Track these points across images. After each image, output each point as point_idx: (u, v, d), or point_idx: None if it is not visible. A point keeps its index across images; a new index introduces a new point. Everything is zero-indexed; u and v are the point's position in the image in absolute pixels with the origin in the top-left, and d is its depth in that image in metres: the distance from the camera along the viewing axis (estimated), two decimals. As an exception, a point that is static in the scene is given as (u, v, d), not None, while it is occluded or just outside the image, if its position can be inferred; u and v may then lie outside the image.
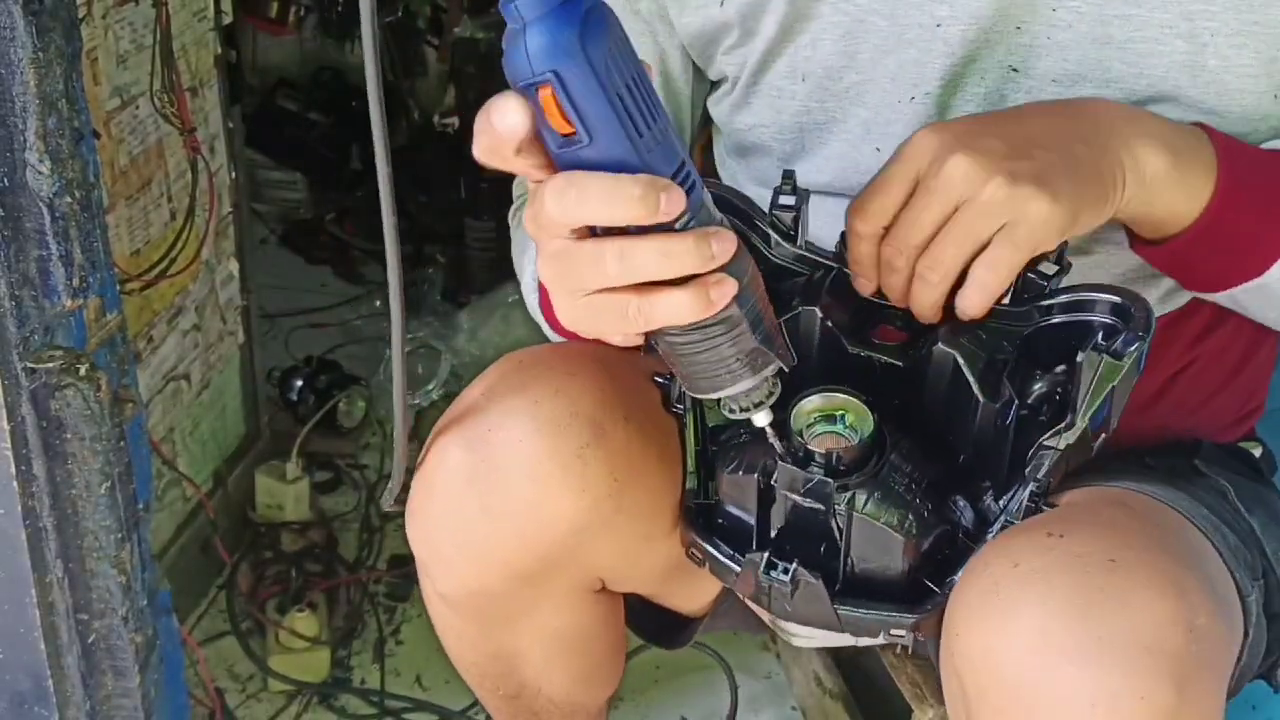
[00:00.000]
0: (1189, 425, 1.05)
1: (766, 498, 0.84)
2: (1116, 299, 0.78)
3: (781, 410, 0.79)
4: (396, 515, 1.95)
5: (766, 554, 0.82)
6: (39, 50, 0.82)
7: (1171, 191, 0.81)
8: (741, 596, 0.89)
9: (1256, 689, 1.02)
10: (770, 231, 0.85)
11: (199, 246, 1.60)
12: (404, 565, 1.83)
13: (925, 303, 0.79)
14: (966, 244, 0.76)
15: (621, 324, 0.70)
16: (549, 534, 0.88)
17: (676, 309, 0.68)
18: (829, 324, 0.83)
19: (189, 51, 1.55)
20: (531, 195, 0.70)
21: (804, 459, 0.81)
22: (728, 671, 1.63)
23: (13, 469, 0.92)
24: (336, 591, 1.76)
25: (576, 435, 0.86)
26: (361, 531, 1.91)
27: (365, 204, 2.74)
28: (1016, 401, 0.79)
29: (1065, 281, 0.81)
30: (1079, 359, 0.76)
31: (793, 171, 0.85)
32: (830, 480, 0.80)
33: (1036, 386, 0.79)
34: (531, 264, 1.03)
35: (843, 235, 0.83)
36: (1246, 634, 0.87)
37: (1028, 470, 0.79)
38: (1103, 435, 0.79)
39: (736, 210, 0.85)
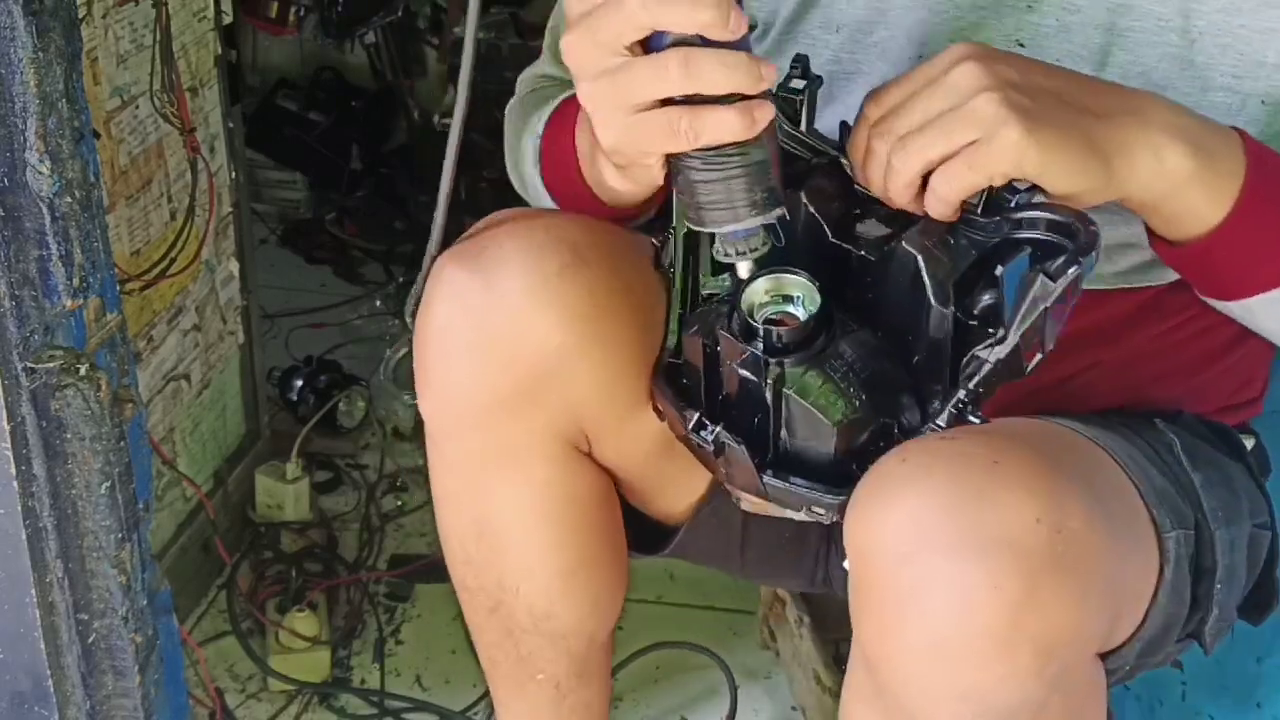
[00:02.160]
0: (1172, 396, 1.06)
1: (713, 363, 0.87)
2: (1067, 219, 0.79)
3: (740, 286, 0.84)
4: (396, 515, 1.96)
5: (698, 414, 0.87)
6: (39, 50, 0.82)
7: (1194, 189, 0.82)
8: (699, 459, 0.93)
9: (1260, 685, 1.02)
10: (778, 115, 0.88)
11: (199, 246, 1.60)
12: (404, 565, 1.84)
13: (891, 189, 0.82)
14: (937, 142, 0.78)
15: (670, 139, 0.76)
16: (529, 351, 0.93)
17: (724, 125, 0.75)
18: (812, 211, 0.86)
19: (189, 51, 1.55)
20: (583, 18, 0.75)
21: (748, 332, 0.83)
22: (727, 672, 1.63)
23: (13, 469, 0.92)
24: (336, 591, 1.77)
25: (557, 256, 0.92)
26: (361, 531, 1.91)
27: (365, 204, 2.74)
28: (956, 311, 0.80)
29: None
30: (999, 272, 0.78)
31: (805, 56, 0.88)
32: (766, 356, 0.82)
33: (985, 297, 0.81)
34: (534, 138, 1.07)
35: (843, 124, 0.86)
36: (1162, 572, 0.88)
37: (961, 378, 0.80)
38: (1038, 356, 0.80)
39: None
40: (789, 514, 0.89)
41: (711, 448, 0.86)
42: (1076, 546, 0.75)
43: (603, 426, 1.01)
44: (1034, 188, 0.81)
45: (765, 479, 0.86)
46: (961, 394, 0.81)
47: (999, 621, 0.73)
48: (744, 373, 0.84)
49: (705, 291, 0.92)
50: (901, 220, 0.84)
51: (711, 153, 0.77)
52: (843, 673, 1.50)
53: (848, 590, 0.82)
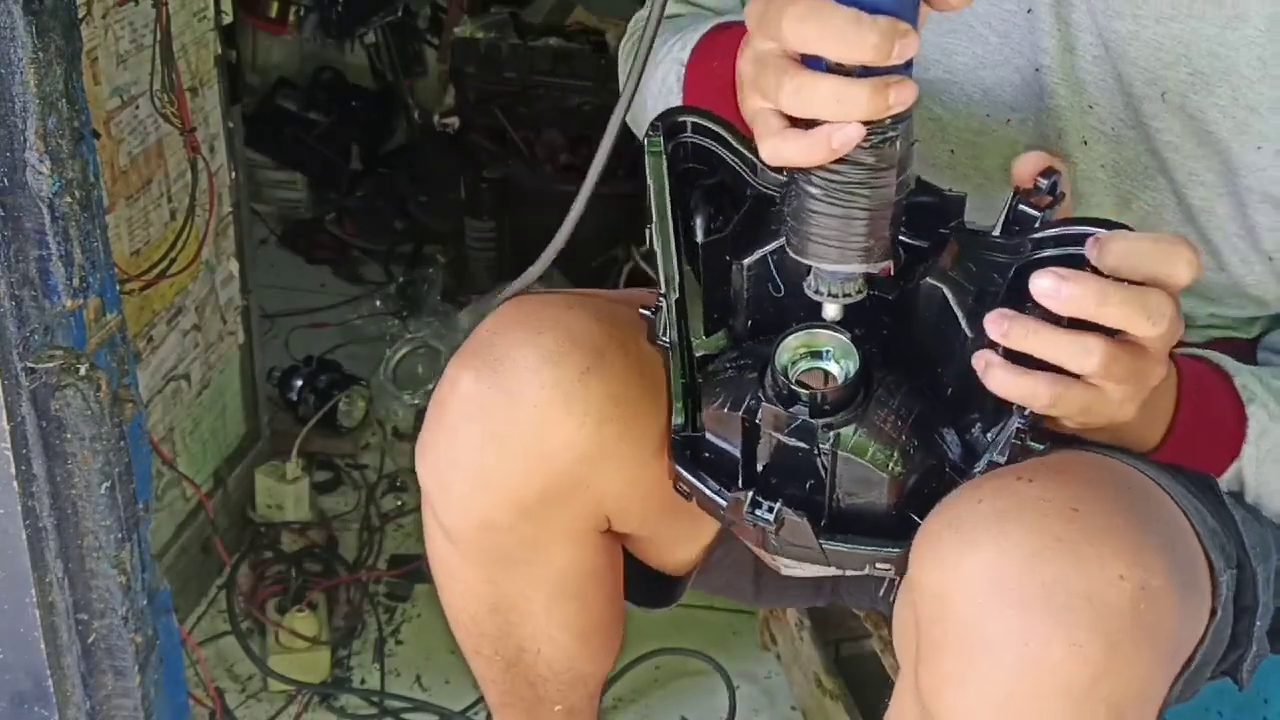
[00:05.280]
0: None
1: (751, 435, 0.83)
2: (1105, 233, 0.76)
3: (768, 347, 0.81)
4: (396, 515, 1.96)
5: (751, 493, 0.82)
6: (39, 50, 0.82)
7: (1128, 430, 0.85)
8: (729, 529, 0.90)
9: (1268, 681, 1.01)
10: (755, 158, 0.84)
11: (199, 246, 1.60)
12: (404, 565, 1.83)
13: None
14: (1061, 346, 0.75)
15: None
16: (554, 462, 0.91)
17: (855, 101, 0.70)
18: None
19: (189, 51, 1.55)
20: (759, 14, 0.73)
21: (789, 398, 0.80)
22: (724, 675, 1.63)
23: (13, 469, 0.92)
24: (336, 591, 1.77)
25: (577, 362, 0.89)
26: (361, 531, 1.91)
27: (365, 204, 2.74)
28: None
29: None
30: None
31: None
32: (814, 420, 0.79)
33: None
34: (678, 66, 1.04)
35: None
36: (1215, 612, 0.87)
37: (1016, 406, 0.77)
38: None
39: (719, 137, 0.85)
40: (848, 573, 0.87)
41: (774, 526, 0.81)
42: (1156, 606, 0.73)
43: (626, 510, 1.00)
44: (1053, 204, 0.79)
45: (825, 544, 0.82)
46: (1019, 422, 0.77)
47: (1075, 681, 0.71)
48: (793, 441, 0.80)
49: (700, 353, 0.88)
50: (909, 256, 0.81)
51: (837, 185, 0.72)
52: (843, 675, 1.51)
53: (872, 604, 0.81)
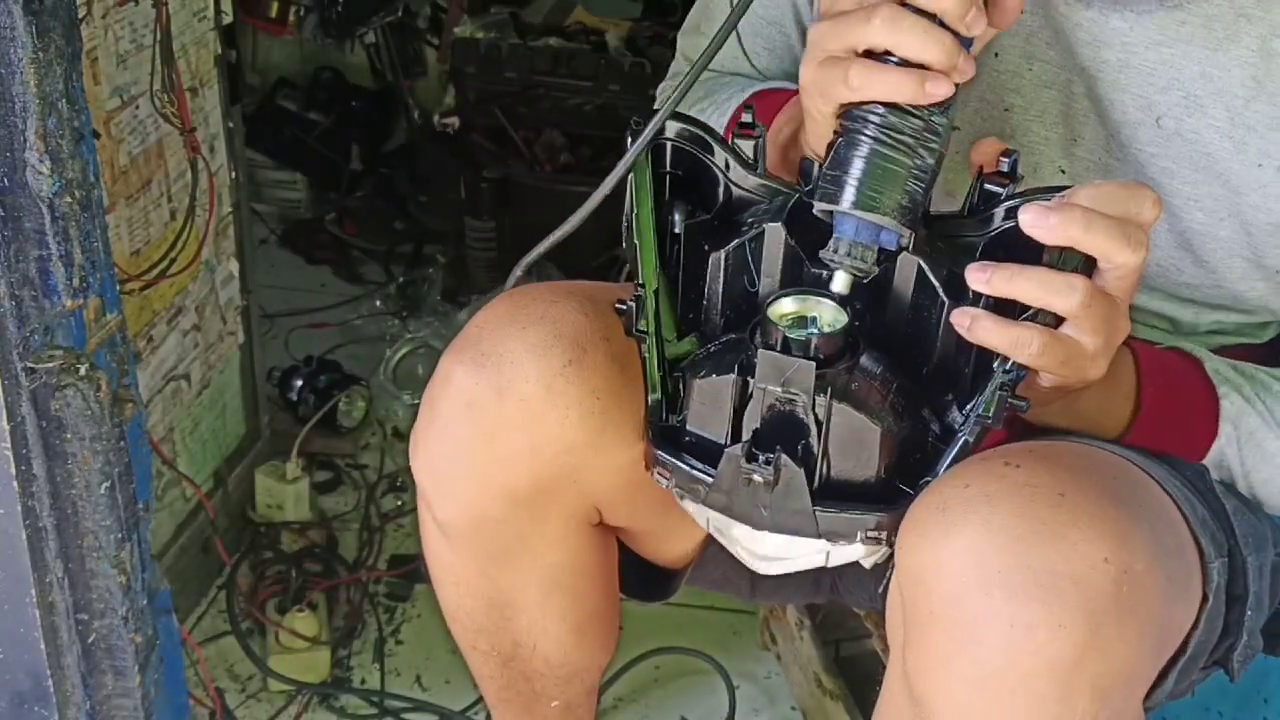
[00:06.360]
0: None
1: (742, 401, 0.83)
2: (1068, 191, 0.79)
3: (756, 314, 0.83)
4: (396, 515, 1.96)
5: (748, 444, 0.81)
6: (39, 50, 0.82)
7: (1092, 399, 0.85)
8: (712, 512, 0.89)
9: (1268, 681, 1.01)
10: (731, 160, 0.88)
11: (199, 246, 1.60)
12: (404, 565, 1.84)
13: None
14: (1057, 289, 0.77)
15: (838, 85, 0.79)
16: (541, 454, 0.92)
17: (890, 83, 0.77)
18: (792, 242, 0.85)
19: (189, 51, 1.55)
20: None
21: (783, 348, 0.81)
22: (724, 674, 1.63)
23: (13, 469, 0.92)
24: (336, 591, 1.77)
25: (559, 356, 0.91)
26: (361, 531, 1.91)
27: (365, 204, 2.74)
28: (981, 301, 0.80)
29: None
30: (1045, 257, 0.78)
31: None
32: (813, 363, 0.80)
33: None
34: (723, 119, 1.09)
35: (804, 160, 0.87)
36: (1206, 599, 0.88)
37: (995, 364, 0.79)
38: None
39: (698, 140, 0.88)
40: (831, 562, 0.87)
41: (772, 476, 0.80)
42: (1139, 589, 0.74)
43: (616, 501, 1.01)
44: (1013, 183, 0.82)
45: (817, 511, 0.82)
46: (1002, 377, 0.78)
47: (1060, 662, 0.72)
48: (789, 392, 0.80)
49: (671, 354, 0.88)
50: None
51: (894, 132, 0.78)
52: (843, 675, 1.51)
53: (872, 602, 0.81)
